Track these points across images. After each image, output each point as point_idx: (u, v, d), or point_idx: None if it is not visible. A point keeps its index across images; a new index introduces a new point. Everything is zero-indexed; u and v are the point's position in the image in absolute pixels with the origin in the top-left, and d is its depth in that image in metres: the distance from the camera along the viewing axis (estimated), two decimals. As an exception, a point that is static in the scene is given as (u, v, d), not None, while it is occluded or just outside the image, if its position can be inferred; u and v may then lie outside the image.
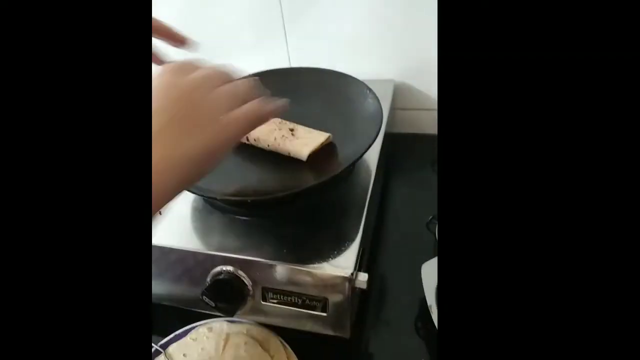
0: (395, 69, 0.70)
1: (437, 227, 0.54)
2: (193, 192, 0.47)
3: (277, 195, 0.45)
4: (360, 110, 0.55)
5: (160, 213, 0.31)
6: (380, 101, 0.54)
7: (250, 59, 0.73)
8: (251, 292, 0.45)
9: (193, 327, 0.50)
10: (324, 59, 0.70)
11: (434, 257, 0.48)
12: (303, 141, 0.51)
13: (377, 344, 0.48)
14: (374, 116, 0.52)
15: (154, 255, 0.47)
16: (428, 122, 0.73)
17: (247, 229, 0.48)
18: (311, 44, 0.72)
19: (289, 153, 0.51)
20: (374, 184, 0.53)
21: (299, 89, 0.61)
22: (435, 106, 0.71)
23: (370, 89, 0.56)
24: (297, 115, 0.53)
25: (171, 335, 0.49)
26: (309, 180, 0.49)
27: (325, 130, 0.53)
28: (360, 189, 0.52)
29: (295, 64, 0.74)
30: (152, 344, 0.47)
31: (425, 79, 0.70)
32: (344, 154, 0.50)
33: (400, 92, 0.71)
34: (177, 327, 0.49)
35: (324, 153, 0.51)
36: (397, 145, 0.69)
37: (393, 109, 0.67)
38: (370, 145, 0.48)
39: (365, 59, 0.71)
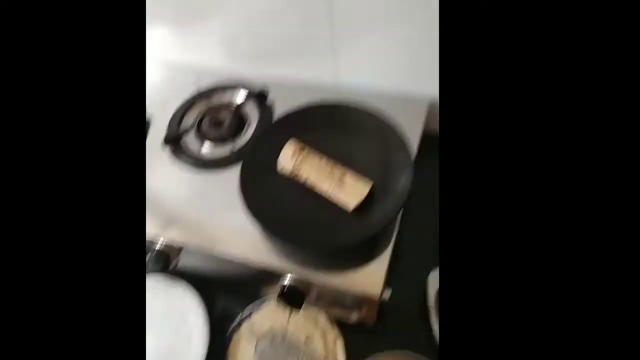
0: (432, 88, 0.77)
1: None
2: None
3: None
4: (395, 163, 0.66)
5: None
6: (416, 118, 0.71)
7: (297, 67, 0.81)
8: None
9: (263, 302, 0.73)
10: (369, 75, 0.78)
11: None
12: (350, 192, 0.63)
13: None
14: (405, 167, 0.64)
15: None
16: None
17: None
18: (359, 59, 0.78)
19: (338, 203, 0.63)
20: (402, 215, 0.66)
21: (344, 126, 0.71)
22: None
23: (406, 146, 0.66)
24: (342, 153, 0.68)
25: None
26: (353, 233, 0.62)
27: (367, 174, 0.65)
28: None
29: (341, 76, 0.81)
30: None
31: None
32: (382, 208, 0.63)
33: (436, 109, 0.78)
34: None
35: (365, 200, 0.63)
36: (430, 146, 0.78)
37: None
38: (402, 204, 0.60)
39: (405, 77, 0.77)
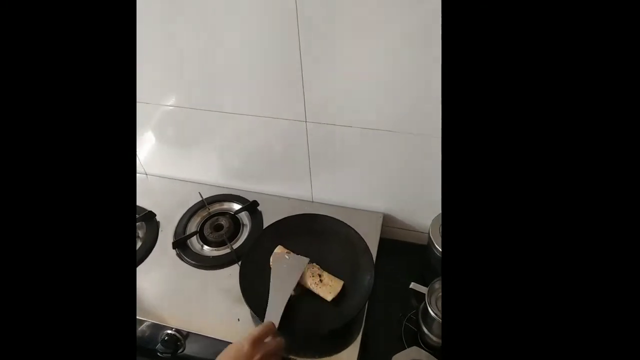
0: (385, 203, 1.01)
1: (404, 322, 0.86)
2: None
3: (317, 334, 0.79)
4: (361, 263, 0.87)
5: None
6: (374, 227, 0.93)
7: (283, 184, 1.04)
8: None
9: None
10: (336, 194, 1.02)
11: (404, 349, 0.80)
12: (327, 289, 0.83)
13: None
14: (370, 271, 0.84)
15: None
16: (411, 238, 1.04)
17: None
18: (328, 184, 1.02)
19: (320, 295, 0.82)
20: (369, 301, 0.85)
21: (320, 233, 0.92)
22: (410, 228, 1.03)
23: (369, 250, 0.88)
24: (319, 255, 0.88)
25: None
26: (333, 319, 0.80)
27: (340, 274, 0.85)
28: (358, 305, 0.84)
29: (315, 194, 1.04)
30: None
31: (410, 213, 1.01)
32: (353, 301, 0.82)
33: (387, 219, 1.02)
34: None
35: (339, 294, 0.83)
36: (386, 248, 1.00)
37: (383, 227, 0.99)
38: (368, 297, 0.80)
39: (364, 196, 1.01)
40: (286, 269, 0.84)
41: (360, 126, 0.85)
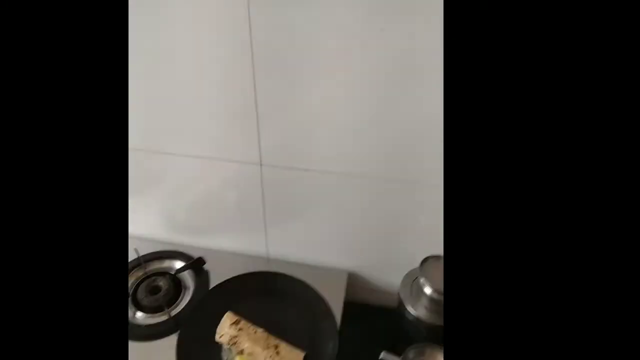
0: (350, 260, 0.90)
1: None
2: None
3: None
4: (323, 328, 0.74)
5: None
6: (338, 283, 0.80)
7: (235, 239, 0.91)
8: None
9: None
10: (295, 248, 0.90)
11: None
12: None
13: None
14: (333, 337, 0.72)
15: None
16: (380, 299, 0.93)
17: None
18: (286, 238, 0.90)
19: None
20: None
21: (276, 294, 0.79)
22: (378, 289, 0.92)
23: (332, 313, 0.75)
24: (275, 321, 0.74)
25: None
26: None
27: (299, 343, 0.71)
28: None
29: (270, 248, 0.92)
30: None
31: (378, 271, 0.91)
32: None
33: (352, 278, 0.91)
34: None
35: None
36: (350, 312, 0.87)
37: (347, 287, 0.87)
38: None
39: (326, 251, 0.90)
40: None
41: (321, 169, 0.76)
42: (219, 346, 0.73)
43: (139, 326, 0.79)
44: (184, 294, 0.85)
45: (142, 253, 0.91)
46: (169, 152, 0.81)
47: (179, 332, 0.74)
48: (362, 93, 0.66)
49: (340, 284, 0.87)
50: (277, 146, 0.75)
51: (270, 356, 0.70)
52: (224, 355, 0.72)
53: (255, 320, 0.74)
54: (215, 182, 0.84)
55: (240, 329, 0.73)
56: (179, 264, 0.90)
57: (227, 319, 0.74)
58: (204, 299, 0.80)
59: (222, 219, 0.91)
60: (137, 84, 0.72)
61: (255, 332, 0.73)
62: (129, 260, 0.89)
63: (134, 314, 0.81)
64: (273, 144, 0.75)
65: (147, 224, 0.95)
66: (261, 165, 0.78)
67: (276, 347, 0.71)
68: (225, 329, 0.73)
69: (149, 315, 0.81)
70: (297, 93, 0.68)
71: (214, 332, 0.73)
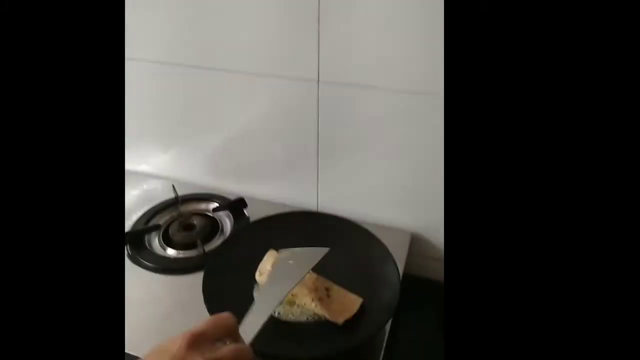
0: (414, 220, 0.76)
1: None
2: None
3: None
4: (381, 274, 0.61)
5: None
6: (398, 248, 0.65)
7: (281, 186, 0.80)
8: None
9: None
10: (349, 201, 0.77)
11: None
12: (338, 307, 0.56)
13: None
14: (393, 284, 0.58)
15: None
16: (440, 271, 0.77)
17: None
18: (340, 186, 0.78)
19: (326, 318, 0.55)
20: (387, 337, 0.58)
21: (325, 236, 0.67)
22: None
23: (391, 255, 0.61)
24: (323, 265, 0.59)
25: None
26: (342, 344, 0.53)
27: (350, 287, 0.58)
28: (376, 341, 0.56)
29: (322, 200, 0.80)
30: None
31: (440, 233, 0.76)
32: (370, 319, 0.55)
33: (416, 241, 0.76)
34: None
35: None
36: (409, 287, 0.72)
37: (408, 254, 0.72)
38: (390, 317, 0.53)
39: (388, 207, 0.77)
40: (289, 267, 0.56)
41: (390, 87, 0.65)
42: (251, 284, 0.61)
43: (166, 259, 0.69)
44: (221, 234, 0.75)
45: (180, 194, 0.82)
46: (219, 67, 0.73)
47: (206, 264, 0.63)
48: None
49: (401, 247, 0.72)
50: (336, 58, 0.65)
51: (320, 298, 0.57)
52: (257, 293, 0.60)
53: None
54: (265, 105, 0.74)
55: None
56: (217, 205, 0.80)
57: (271, 256, 0.62)
58: (241, 233, 0.69)
59: (270, 159, 0.81)
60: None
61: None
62: (166, 199, 0.81)
63: (164, 249, 0.72)
64: (333, 56, 0.65)
65: (189, 167, 0.87)
66: (318, 82, 0.68)
67: (327, 289, 0.58)
68: (268, 267, 0.61)
69: (180, 252, 0.71)
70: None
71: (248, 269, 0.61)
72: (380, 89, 0.65)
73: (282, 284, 0.50)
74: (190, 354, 0.35)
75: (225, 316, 0.40)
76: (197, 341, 0.36)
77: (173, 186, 0.81)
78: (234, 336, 0.40)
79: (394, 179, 0.75)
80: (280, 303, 0.52)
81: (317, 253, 0.57)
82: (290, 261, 0.56)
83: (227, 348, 0.39)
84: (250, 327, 0.43)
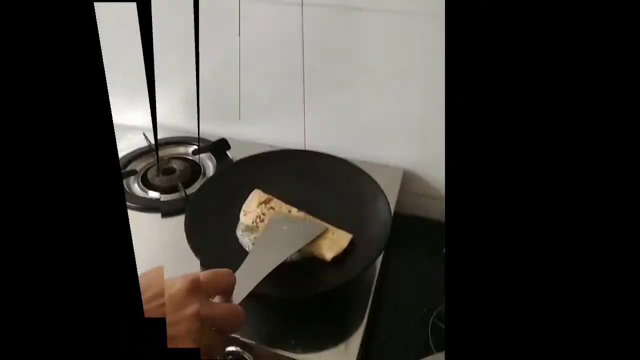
0: (406, 156, 0.73)
1: (431, 319, 0.55)
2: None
3: (302, 296, 0.50)
4: (371, 210, 0.58)
5: None
6: (390, 185, 0.62)
7: (266, 125, 0.76)
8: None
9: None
10: (338, 138, 0.73)
11: (426, 354, 0.49)
12: (327, 243, 0.53)
13: None
14: (384, 221, 0.55)
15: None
16: (433, 209, 0.75)
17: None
18: (328, 123, 0.74)
19: (313, 255, 0.53)
20: (377, 277, 0.56)
21: (313, 174, 0.63)
22: (441, 195, 0.74)
23: (382, 191, 0.58)
24: (311, 202, 0.58)
25: None
26: (330, 281, 0.50)
27: (340, 224, 0.55)
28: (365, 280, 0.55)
29: (309, 138, 0.76)
30: None
31: (434, 169, 0.73)
32: (360, 255, 0.52)
33: (408, 178, 0.73)
34: None
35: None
36: (400, 226, 0.70)
37: (400, 191, 0.69)
38: (381, 252, 0.51)
39: (380, 143, 0.73)
40: (283, 234, 0.53)
41: (381, 8, 0.59)
42: (235, 223, 0.58)
43: (146, 199, 0.66)
44: (202, 179, 0.71)
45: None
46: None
47: (188, 202, 0.59)
48: None
49: (393, 184, 0.69)
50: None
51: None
52: (240, 234, 0.57)
53: (289, 201, 0.59)
54: (246, 34, 0.68)
55: (271, 208, 0.57)
56: (198, 148, 0.76)
57: (256, 196, 0.59)
58: (225, 173, 0.65)
59: (253, 97, 0.75)
60: None
61: (290, 211, 0.57)
62: (139, 147, 0.76)
63: (146, 192, 0.68)
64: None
65: (165, 110, 0.82)
66: (302, 5, 0.62)
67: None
68: (253, 206, 0.57)
69: (162, 195, 0.67)
70: None
71: (232, 209, 0.58)
72: (371, 11, 0.60)
73: (275, 252, 0.47)
74: (189, 299, 0.33)
75: (226, 273, 0.38)
76: (196, 288, 0.34)
77: (144, 134, 0.76)
78: (228, 295, 0.38)
79: (386, 114, 0.70)
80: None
81: (314, 229, 0.53)
82: (284, 227, 0.53)
83: (223, 306, 0.37)
84: (239, 289, 0.40)
